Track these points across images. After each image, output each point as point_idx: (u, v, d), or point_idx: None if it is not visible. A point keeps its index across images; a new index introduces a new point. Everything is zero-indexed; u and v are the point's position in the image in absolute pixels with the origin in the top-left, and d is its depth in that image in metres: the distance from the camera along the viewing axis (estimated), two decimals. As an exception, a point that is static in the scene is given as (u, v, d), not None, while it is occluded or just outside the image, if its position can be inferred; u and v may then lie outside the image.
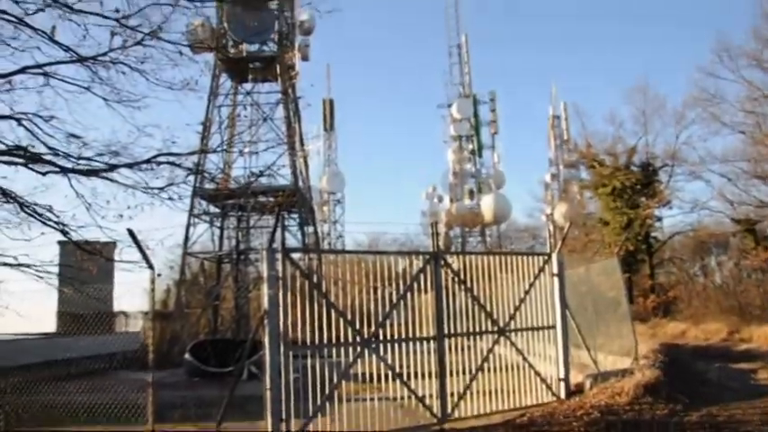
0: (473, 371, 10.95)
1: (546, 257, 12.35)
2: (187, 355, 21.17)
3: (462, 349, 11.08)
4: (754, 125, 29.92)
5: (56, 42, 8.59)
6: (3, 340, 15.91)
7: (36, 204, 8.58)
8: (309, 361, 9.37)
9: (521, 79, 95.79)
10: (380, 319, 10.38)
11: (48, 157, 8.62)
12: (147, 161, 8.91)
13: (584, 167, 42.64)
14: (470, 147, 47.20)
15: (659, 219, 37.84)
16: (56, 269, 9.00)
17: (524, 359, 11.51)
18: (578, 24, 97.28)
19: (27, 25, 8.41)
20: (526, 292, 11.83)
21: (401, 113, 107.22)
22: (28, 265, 8.61)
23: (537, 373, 11.56)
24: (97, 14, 8.59)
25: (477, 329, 11.33)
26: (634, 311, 21.70)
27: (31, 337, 21.86)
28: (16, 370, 15.34)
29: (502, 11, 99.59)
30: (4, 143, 8.54)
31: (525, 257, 12.33)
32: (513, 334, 11.58)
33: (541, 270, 12.10)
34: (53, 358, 18.79)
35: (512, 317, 11.63)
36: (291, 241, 29.67)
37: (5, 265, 8.61)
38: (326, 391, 9.46)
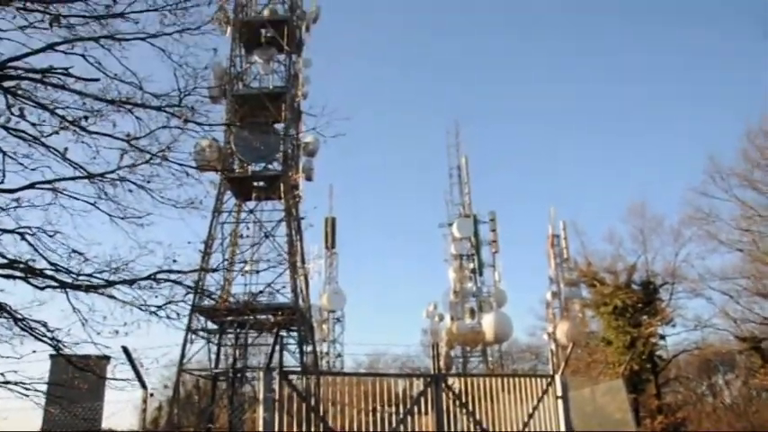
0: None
1: (549, 379, 12.08)
2: None
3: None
4: (751, 243, 30.18)
5: (67, 160, 8.86)
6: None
7: (31, 319, 8.49)
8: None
9: (521, 199, 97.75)
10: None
11: (48, 272, 8.64)
12: (147, 278, 8.92)
13: (584, 286, 42.52)
14: (471, 265, 47.29)
15: (663, 337, 37.24)
16: (44, 387, 8.75)
17: (530, 487, 10.99)
18: (576, 147, 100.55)
19: (42, 144, 8.70)
20: (530, 416, 11.49)
21: (403, 232, 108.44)
22: (15, 383, 8.38)
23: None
24: (109, 135, 8.93)
25: (480, 454, 10.89)
26: (642, 435, 20.91)
27: None
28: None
29: (499, 136, 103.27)
30: (4, 256, 8.59)
31: (528, 379, 12.07)
32: (517, 459, 11.12)
33: (545, 392, 11.81)
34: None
35: (515, 441, 11.22)
36: (290, 360, 29.07)
37: (-7, 382, 8.39)
38: None
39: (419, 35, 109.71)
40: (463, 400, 11.10)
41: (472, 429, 11.02)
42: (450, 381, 11.20)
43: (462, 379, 12.91)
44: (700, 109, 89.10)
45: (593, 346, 39.13)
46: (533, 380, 12.09)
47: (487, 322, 43.67)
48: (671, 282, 36.83)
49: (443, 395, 10.64)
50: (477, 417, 11.05)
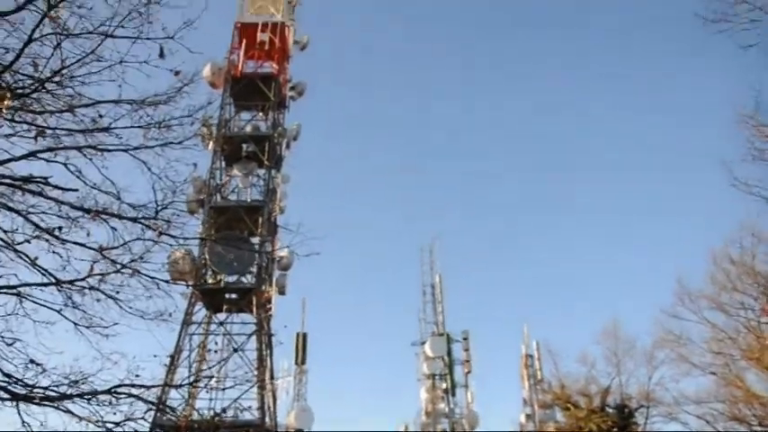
0: None
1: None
2: None
3: None
4: (724, 365, 30.07)
5: (36, 266, 8.75)
6: None
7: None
8: None
9: (494, 318, 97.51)
10: None
11: (1, 383, 8.27)
12: (107, 392, 8.60)
13: (558, 408, 41.69)
14: (444, 385, 46.45)
15: (636, 464, 36.19)
16: None
17: None
18: (550, 268, 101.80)
19: (13, 250, 8.62)
20: None
21: (375, 349, 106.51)
22: None
23: None
24: (82, 245, 8.89)
25: None
26: None
27: None
28: None
29: (477, 254, 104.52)
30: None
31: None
32: None
33: None
34: None
35: None
36: (253, 482, 27.54)
37: None
38: None
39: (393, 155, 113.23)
40: None
41: None
42: None
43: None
44: (668, 224, 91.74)
45: (569, 473, 37.85)
46: None
47: (460, 445, 42.34)
48: (646, 405, 36.28)
49: None
50: None
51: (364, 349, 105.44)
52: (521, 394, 48.04)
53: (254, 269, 31.81)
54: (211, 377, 15.54)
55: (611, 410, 36.77)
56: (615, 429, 35.32)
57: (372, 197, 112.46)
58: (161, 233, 9.22)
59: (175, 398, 23.92)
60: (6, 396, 8.24)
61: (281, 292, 33.30)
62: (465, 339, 48.63)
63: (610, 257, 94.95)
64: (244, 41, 36.28)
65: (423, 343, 47.35)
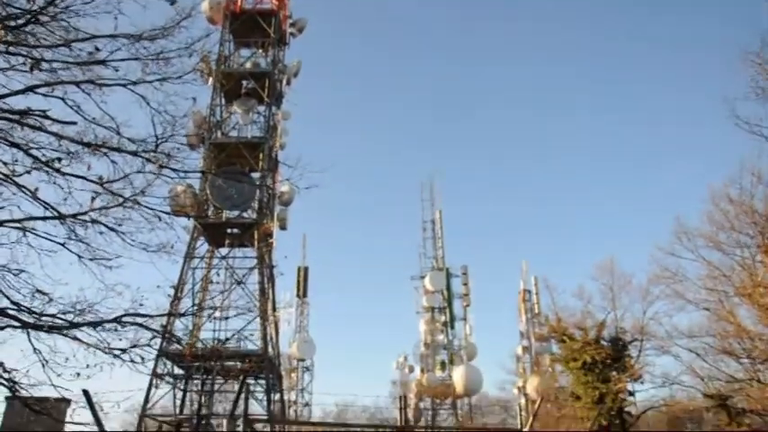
0: None
1: (515, 432, 12.12)
2: None
3: None
4: (717, 302, 30.60)
5: (38, 200, 8.83)
6: None
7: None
8: None
9: (494, 253, 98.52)
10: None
11: (11, 312, 8.51)
12: (113, 321, 8.81)
13: (555, 341, 42.65)
14: (443, 318, 47.40)
15: (632, 393, 37.21)
16: (-2, 431, 8.50)
17: None
18: (549, 206, 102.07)
19: (14, 183, 8.69)
20: (494, 469, 11.47)
21: (375, 283, 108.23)
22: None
23: None
24: (82, 178, 8.95)
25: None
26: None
27: None
28: None
29: (477, 192, 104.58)
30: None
31: (494, 432, 12.09)
32: None
33: (511, 445, 11.84)
34: None
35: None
36: (257, 407, 28.53)
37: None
38: None
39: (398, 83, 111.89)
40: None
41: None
42: (416, 432, 11.17)
43: None
44: (667, 165, 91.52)
45: (562, 401, 39.06)
46: (499, 433, 12.11)
47: (458, 375, 43.53)
48: (640, 339, 37.14)
49: (408, 446, 10.60)
50: (442, 469, 10.99)
51: (364, 283, 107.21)
52: (518, 327, 49.14)
53: (256, 204, 32.02)
54: (215, 307, 15.88)
55: (605, 343, 37.59)
56: (609, 360, 36.21)
57: (373, 135, 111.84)
58: (162, 166, 9.27)
59: (180, 329, 24.69)
60: (17, 324, 8.48)
61: (283, 226, 33.62)
62: (464, 274, 49.35)
63: (608, 196, 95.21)
64: (243, -25, 35.51)
65: (422, 277, 48.12)
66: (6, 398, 9.18)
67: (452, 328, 47.59)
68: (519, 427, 11.88)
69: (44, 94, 8.78)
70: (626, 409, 36.57)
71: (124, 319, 8.84)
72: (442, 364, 45.44)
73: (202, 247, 31.91)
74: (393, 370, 48.91)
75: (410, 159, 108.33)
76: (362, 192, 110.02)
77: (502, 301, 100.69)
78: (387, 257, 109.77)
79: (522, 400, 43.43)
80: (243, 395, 9.14)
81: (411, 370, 47.38)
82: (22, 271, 8.67)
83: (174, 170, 9.55)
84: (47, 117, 8.62)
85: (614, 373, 36.15)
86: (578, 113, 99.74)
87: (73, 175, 8.88)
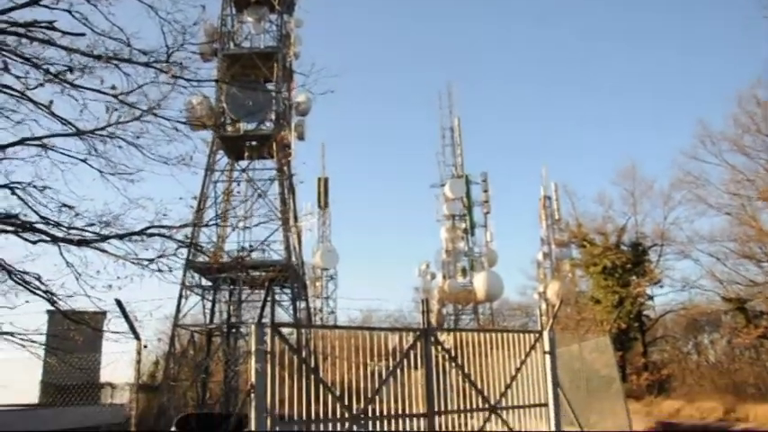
0: (464, 449, 10.73)
1: (537, 335, 12.31)
2: (173, 429, 20.72)
3: (453, 427, 10.87)
4: (740, 206, 30.32)
5: (55, 116, 8.78)
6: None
7: (25, 273, 8.53)
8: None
9: (513, 159, 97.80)
10: (370, 394, 10.24)
11: (39, 226, 8.64)
12: (139, 233, 8.91)
13: (575, 246, 42.92)
14: (463, 225, 47.71)
15: (651, 297, 37.77)
16: (41, 338, 8.85)
17: (516, 437, 11.30)
18: (568, 110, 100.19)
19: (29, 99, 8.62)
20: (517, 370, 11.73)
21: (395, 193, 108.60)
22: (12, 334, 8.50)
23: (529, 453, 11.32)
24: (96, 90, 8.83)
25: (469, 407, 11.17)
26: (627, 389, 21.37)
27: (11, 409, 21.05)
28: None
29: (492, 96, 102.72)
30: (-5, 211, 8.59)
31: (516, 335, 12.29)
32: (504, 412, 11.40)
33: (533, 347, 12.05)
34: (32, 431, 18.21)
35: (503, 394, 11.49)
36: (283, 316, 29.50)
37: (-12, 332, 8.52)
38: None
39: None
40: (453, 354, 11.31)
41: (461, 383, 11.27)
42: (441, 335, 11.39)
43: (452, 334, 13.15)
44: (691, 69, 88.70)
45: (582, 305, 39.72)
46: (522, 335, 12.31)
47: (479, 281, 44.28)
48: (660, 243, 37.21)
49: (433, 349, 10.83)
50: (467, 370, 11.27)
51: (384, 192, 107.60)
52: (538, 233, 49.40)
53: (273, 115, 31.80)
54: (237, 217, 16.01)
55: (625, 248, 37.81)
56: (629, 265, 36.50)
57: (390, 40, 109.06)
58: (175, 76, 9.09)
59: (205, 242, 25.13)
60: (48, 238, 8.65)
61: (300, 137, 33.49)
62: (484, 181, 49.22)
63: (630, 99, 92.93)
64: None
65: (442, 185, 48.11)
66: (48, 311, 9.51)
67: (473, 234, 48.01)
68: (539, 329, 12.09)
69: (49, 7, 8.53)
70: (644, 312, 37.22)
71: (150, 230, 8.93)
72: (464, 271, 46.15)
73: (222, 160, 32.04)
74: (415, 277, 49.98)
75: (426, 67, 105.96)
76: (379, 101, 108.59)
77: (522, 208, 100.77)
78: (406, 165, 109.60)
79: (543, 305, 44.26)
80: (269, 301, 9.37)
81: (433, 277, 48.27)
82: (46, 187, 8.72)
83: (187, 80, 9.37)
84: (54, 29, 8.41)
85: (634, 277, 36.54)
86: (595, 6, 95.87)
87: (86, 88, 8.76)
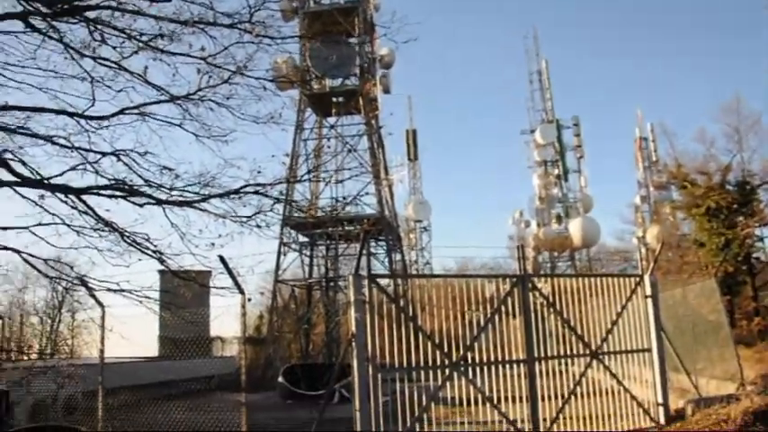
0: (565, 395, 10.65)
1: (638, 279, 11.92)
2: (280, 379, 21.94)
3: (554, 373, 10.79)
4: None
5: (149, 83, 9.15)
6: (113, 363, 17.00)
7: (135, 234, 9.07)
8: (398, 384, 9.39)
9: (605, 102, 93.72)
10: (468, 342, 10.30)
11: (144, 190, 9.11)
12: (236, 191, 9.24)
13: (674, 188, 40.94)
14: (556, 171, 46.53)
15: (761, 239, 35.65)
16: (155, 294, 9.42)
17: (619, 383, 11.09)
18: (662, 43, 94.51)
19: (125, 69, 9.02)
20: (618, 315, 11.44)
21: (484, 140, 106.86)
22: (129, 291, 9.10)
23: (633, 398, 11.10)
24: (185, 55, 9.12)
25: (569, 353, 11.05)
26: (737, 335, 20.39)
27: (136, 360, 22.93)
28: (124, 390, 16.19)
29: (579, 38, 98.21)
30: (105, 177, 9.13)
31: (616, 279, 11.94)
32: (606, 357, 11.20)
33: (633, 292, 11.68)
34: (156, 380, 19.75)
35: (604, 340, 11.27)
36: (379, 268, 30.08)
37: (109, 290, 9.16)
38: (416, 414, 9.44)
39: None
40: (551, 300, 11.16)
41: (560, 329, 11.13)
42: (538, 282, 11.23)
43: (549, 280, 12.91)
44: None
45: (684, 249, 38.05)
46: (621, 280, 11.95)
47: (574, 227, 43.31)
48: (770, 181, 34.87)
49: (530, 296, 10.72)
50: (565, 316, 11.11)
51: (474, 142, 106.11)
52: (635, 177, 47.52)
53: (357, 70, 31.82)
54: (329, 170, 16.28)
55: (731, 187, 35.65)
56: (735, 206, 34.48)
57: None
58: (259, 35, 9.24)
59: (299, 198, 25.80)
60: (152, 201, 9.14)
61: (386, 90, 33.43)
62: (575, 125, 47.55)
63: (732, 31, 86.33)
64: None
65: (532, 131, 46.93)
66: (159, 270, 10.13)
67: (566, 180, 46.77)
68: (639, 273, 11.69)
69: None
70: (754, 254, 35.20)
71: (246, 188, 9.24)
72: (558, 218, 45.19)
73: (311, 118, 32.54)
74: (509, 226, 49.44)
75: (510, 11, 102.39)
76: (462, 49, 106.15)
77: (616, 152, 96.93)
78: (494, 113, 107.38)
79: (643, 250, 42.79)
80: (364, 254, 9.54)
81: (527, 225, 47.54)
82: (147, 152, 9.15)
83: (271, 38, 9.53)
84: (142, -1, 8.74)
85: (741, 218, 34.51)
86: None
87: (176, 53, 9.06)
